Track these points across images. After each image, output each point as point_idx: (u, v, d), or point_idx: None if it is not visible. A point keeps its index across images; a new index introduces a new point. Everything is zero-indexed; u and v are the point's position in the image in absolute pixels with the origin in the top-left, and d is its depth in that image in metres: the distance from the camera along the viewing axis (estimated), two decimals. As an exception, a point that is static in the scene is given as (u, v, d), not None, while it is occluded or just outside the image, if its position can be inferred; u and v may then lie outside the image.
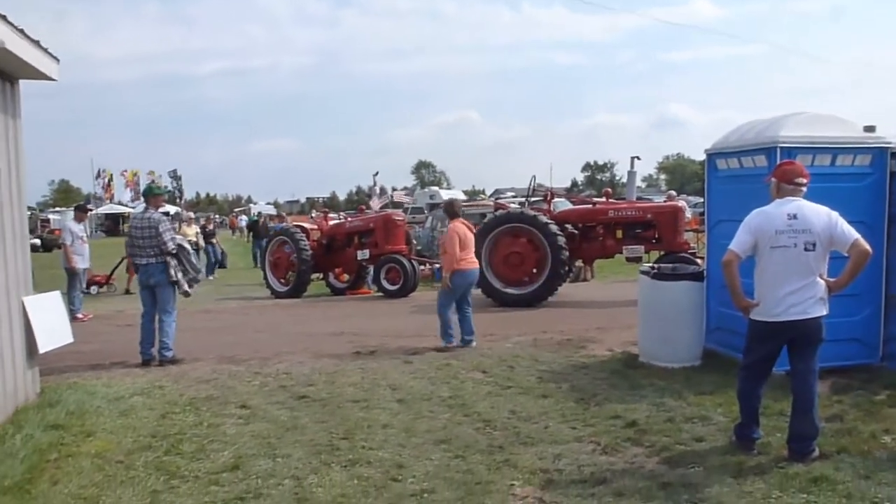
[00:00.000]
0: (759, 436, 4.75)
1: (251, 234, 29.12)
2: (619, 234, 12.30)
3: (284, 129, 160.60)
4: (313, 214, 21.76)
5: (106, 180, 57.92)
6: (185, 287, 7.99)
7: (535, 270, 11.72)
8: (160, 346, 7.72)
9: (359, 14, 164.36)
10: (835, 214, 4.50)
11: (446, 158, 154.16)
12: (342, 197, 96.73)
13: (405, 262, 13.84)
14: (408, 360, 7.68)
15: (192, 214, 25.13)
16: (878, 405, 5.61)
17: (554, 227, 11.67)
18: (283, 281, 14.86)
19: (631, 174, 14.72)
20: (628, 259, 12.35)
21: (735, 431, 4.84)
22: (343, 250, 15.07)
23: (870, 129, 6.52)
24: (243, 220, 46.99)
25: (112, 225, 51.51)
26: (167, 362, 7.64)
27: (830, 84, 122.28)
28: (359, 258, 14.58)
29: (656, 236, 12.19)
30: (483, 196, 42.30)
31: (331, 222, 16.77)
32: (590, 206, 13.46)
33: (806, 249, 4.43)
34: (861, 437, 4.90)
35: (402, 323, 10.40)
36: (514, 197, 38.88)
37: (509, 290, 11.72)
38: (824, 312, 4.52)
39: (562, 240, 11.58)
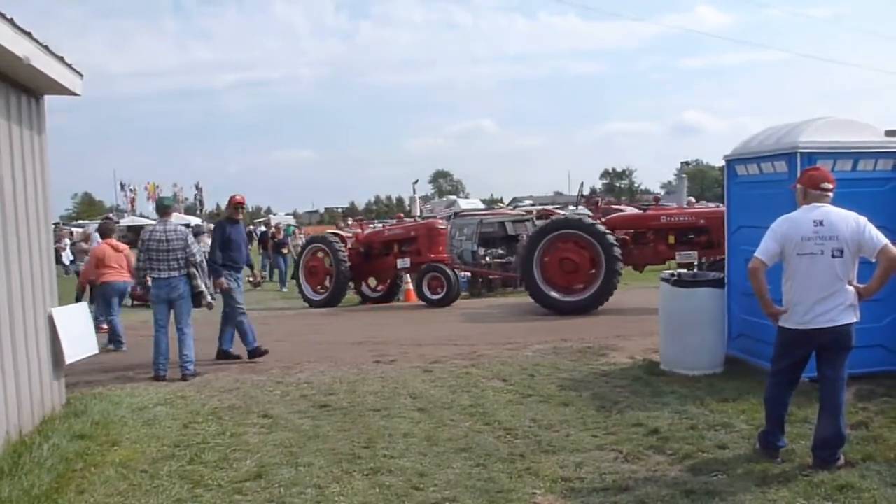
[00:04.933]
0: (783, 444, 4.71)
1: (261, 245, 28.16)
2: (672, 239, 12.18)
3: (303, 140, 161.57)
4: (349, 222, 21.57)
5: (132, 192, 58.75)
6: (210, 298, 8.08)
7: (588, 278, 11.61)
8: (183, 359, 7.70)
9: (375, 26, 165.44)
10: (863, 220, 4.45)
11: (464, 167, 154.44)
12: (361, 206, 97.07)
13: (448, 270, 13.67)
14: (428, 368, 7.69)
15: (211, 226, 25.37)
16: (905, 412, 5.54)
17: (610, 236, 11.54)
18: (319, 289, 14.75)
19: (680, 179, 14.63)
20: (680, 265, 12.15)
21: (759, 439, 4.79)
22: (381, 258, 14.91)
23: (891, 133, 6.46)
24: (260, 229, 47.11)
25: (135, 237, 51.93)
26: (190, 376, 7.66)
27: (849, 89, 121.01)
28: (399, 266, 14.45)
29: (709, 241, 11.90)
30: (501, 204, 42.22)
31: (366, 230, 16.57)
32: (641, 212, 13.35)
33: (833, 256, 4.39)
34: (887, 444, 4.84)
35: (423, 332, 10.41)
36: (532, 205, 38.86)
37: (561, 298, 11.61)
38: (854, 320, 4.48)
39: (617, 249, 11.44)
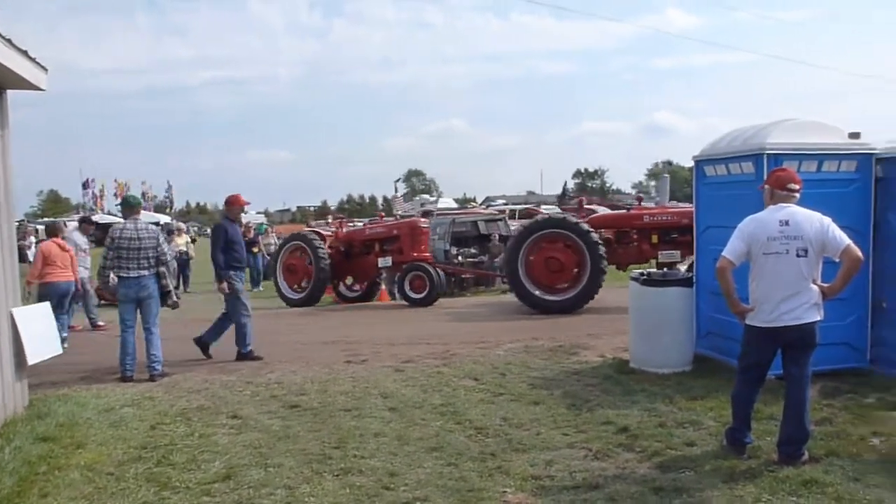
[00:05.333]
0: (750, 441, 4.78)
1: None
2: (655, 238, 12.28)
3: (276, 139, 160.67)
4: (329, 220, 21.31)
5: (97, 190, 57.61)
6: (176, 298, 7.97)
7: (573, 277, 11.66)
8: (151, 360, 7.58)
9: (349, 24, 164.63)
10: (827, 220, 4.53)
11: (437, 167, 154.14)
12: (333, 205, 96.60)
13: (431, 269, 13.60)
14: (400, 368, 7.68)
15: (182, 225, 25.06)
16: (866, 408, 5.66)
17: (595, 235, 11.61)
18: (296, 288, 14.58)
19: (663, 179, 14.73)
20: (661, 264, 12.25)
21: (726, 436, 4.86)
22: (361, 257, 14.79)
23: (855, 135, 6.58)
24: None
25: (102, 235, 50.98)
26: (158, 376, 7.55)
27: (815, 91, 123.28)
28: (380, 265, 14.35)
29: (692, 240, 12.01)
30: (474, 204, 42.34)
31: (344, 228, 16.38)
32: (624, 211, 13.48)
33: (798, 255, 4.46)
34: (850, 440, 4.95)
35: (395, 331, 10.39)
36: (504, 204, 39.00)
37: (547, 297, 11.63)
38: (818, 318, 4.56)
39: (602, 248, 11.52)
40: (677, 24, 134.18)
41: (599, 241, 11.55)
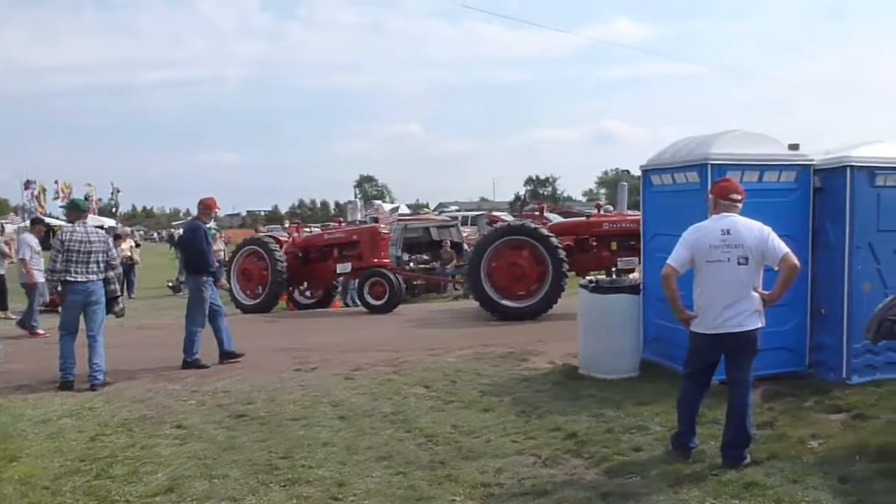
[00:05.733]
0: (695, 445, 4.88)
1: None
2: (614, 245, 12.44)
3: (226, 142, 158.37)
4: (286, 225, 20.89)
5: (36, 192, 55.71)
6: (122, 305, 7.78)
7: (535, 283, 11.69)
8: (92, 368, 7.33)
9: (303, 27, 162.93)
10: (767, 229, 4.66)
11: (389, 172, 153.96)
12: (284, 210, 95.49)
13: (391, 276, 13.47)
14: (350, 375, 7.60)
15: (127, 229, 24.46)
16: (806, 411, 5.82)
17: (555, 240, 11.69)
18: (251, 294, 14.26)
19: (622, 187, 14.94)
20: (620, 271, 12.42)
21: (672, 440, 4.95)
22: (319, 263, 14.59)
23: (794, 146, 6.80)
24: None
25: (45, 238, 49.44)
26: (99, 385, 7.29)
27: (759, 101, 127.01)
28: (339, 272, 14.17)
29: None
30: (427, 210, 42.36)
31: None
32: (583, 218, 13.60)
33: (739, 263, 4.58)
34: (790, 442, 5.08)
35: (347, 338, 10.30)
36: (457, 210, 39.13)
37: (509, 303, 11.62)
38: (760, 325, 4.68)
39: (563, 253, 11.60)
40: (627, 35, 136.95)
41: (560, 248, 11.66)
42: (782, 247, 4.58)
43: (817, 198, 6.75)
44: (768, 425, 5.49)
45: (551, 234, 11.84)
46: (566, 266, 11.65)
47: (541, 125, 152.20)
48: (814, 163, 6.77)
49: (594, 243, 12.63)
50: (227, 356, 8.49)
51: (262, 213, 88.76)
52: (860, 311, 6.46)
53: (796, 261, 4.57)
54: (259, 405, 6.52)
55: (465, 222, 24.10)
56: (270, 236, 15.51)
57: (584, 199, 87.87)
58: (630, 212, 14.31)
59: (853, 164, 6.46)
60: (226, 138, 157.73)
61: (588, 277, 9.05)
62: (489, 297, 11.63)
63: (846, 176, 6.45)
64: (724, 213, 4.71)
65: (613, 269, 12.33)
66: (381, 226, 15.30)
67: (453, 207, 46.73)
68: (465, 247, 17.81)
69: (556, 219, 16.23)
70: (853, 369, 6.52)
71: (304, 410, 6.32)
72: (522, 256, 11.70)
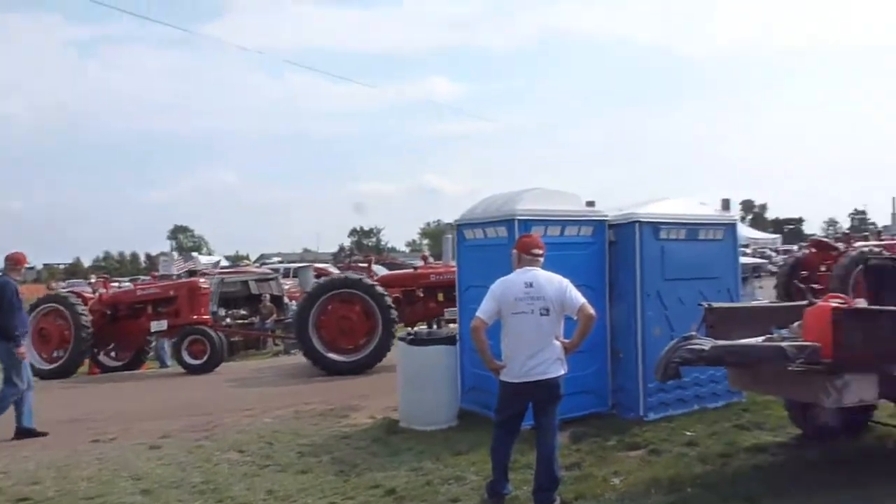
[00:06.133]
0: (508, 491, 5.03)
1: None
2: (441, 297, 12.51)
3: (22, 189, 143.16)
4: (92, 279, 19.00)
5: None
6: None
7: (365, 337, 11.45)
8: None
9: (103, 68, 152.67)
10: (566, 282, 4.99)
11: (205, 222, 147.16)
12: (87, 263, 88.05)
13: (212, 333, 12.63)
14: (155, 444, 7.04)
15: None
16: (609, 450, 6.21)
17: (382, 290, 11.57)
18: (49, 358, 12.74)
19: (446, 239, 15.18)
20: (448, 321, 12.43)
21: (487, 489, 5.06)
22: (130, 321, 13.40)
23: (590, 203, 7.41)
24: None
25: None
26: None
27: (561, 159, 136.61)
28: (153, 330, 13.10)
29: None
30: (248, 261, 40.88)
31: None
32: (411, 270, 13.66)
33: (541, 315, 4.84)
34: (595, 481, 5.39)
35: (153, 402, 9.57)
36: (280, 262, 38.16)
37: (337, 357, 11.28)
38: (563, 372, 4.95)
39: (391, 305, 11.47)
40: (441, 92, 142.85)
41: (387, 296, 11.63)
42: (579, 298, 4.91)
43: (612, 250, 7.34)
44: (576, 466, 5.77)
45: (380, 287, 11.86)
46: (395, 318, 11.66)
47: (363, 177, 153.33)
48: (608, 218, 7.38)
49: (422, 294, 12.78)
50: (24, 433, 7.61)
51: (62, 267, 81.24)
52: (652, 353, 6.98)
53: (592, 311, 4.92)
54: (47, 485, 5.86)
55: (286, 274, 23.52)
56: (73, 292, 14.19)
57: (407, 250, 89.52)
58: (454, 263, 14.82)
59: (641, 219, 7.14)
60: (20, 186, 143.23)
61: (408, 330, 9.17)
62: (317, 352, 11.35)
63: (635, 230, 7.11)
64: (528, 267, 4.99)
65: (442, 319, 12.73)
66: (201, 279, 14.54)
67: (275, 259, 45.54)
68: (287, 300, 17.36)
69: (381, 271, 16.36)
70: (649, 407, 7.09)
71: (100, 487, 5.75)
72: (351, 310, 11.58)
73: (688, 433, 6.55)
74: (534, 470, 5.04)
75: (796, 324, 5.11)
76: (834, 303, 5.09)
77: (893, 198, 51.90)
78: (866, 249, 14.63)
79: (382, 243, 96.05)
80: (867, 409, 5.91)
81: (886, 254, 12.93)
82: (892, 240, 23.45)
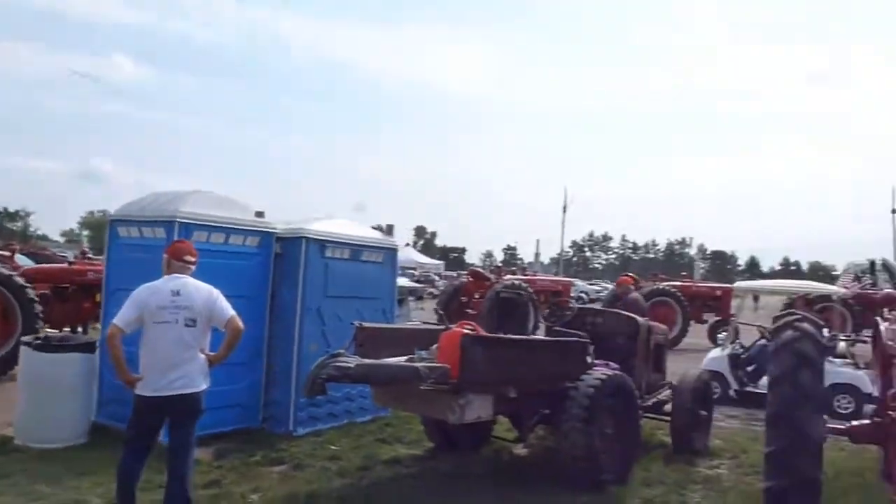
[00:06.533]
0: (133, 515, 4.64)
1: None
2: (99, 297, 10.73)
3: None
4: None
5: None
6: None
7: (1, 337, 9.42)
8: None
9: None
10: (216, 292, 4.80)
11: None
12: None
13: None
14: None
15: None
16: (252, 466, 6.12)
17: (31, 290, 9.65)
18: None
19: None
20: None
21: (110, 513, 4.63)
22: None
23: (260, 214, 7.30)
24: None
25: None
26: None
27: (238, 166, 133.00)
28: None
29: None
30: None
31: None
32: (65, 265, 11.99)
33: (187, 325, 4.60)
34: (233, 498, 5.28)
35: None
36: None
37: None
38: (205, 386, 4.73)
39: (38, 305, 9.63)
40: (124, 70, 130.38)
41: (30, 287, 9.85)
42: (229, 309, 4.77)
43: (277, 263, 7.32)
44: (216, 484, 5.58)
45: (22, 279, 9.98)
46: (40, 317, 9.85)
47: (16, 151, 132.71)
48: (276, 231, 7.35)
49: (76, 293, 11.27)
50: None
51: None
52: (307, 368, 7.02)
53: (241, 324, 4.79)
54: None
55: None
56: None
57: (62, 240, 79.53)
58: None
59: (308, 235, 7.24)
60: None
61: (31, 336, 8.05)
62: None
63: (302, 246, 7.18)
64: (177, 275, 4.73)
65: (97, 323, 11.35)
66: None
67: None
68: None
69: (28, 263, 14.22)
70: (299, 422, 7.17)
71: None
72: None
73: (332, 447, 6.76)
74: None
75: (434, 346, 5.57)
76: (465, 329, 5.67)
77: (538, 240, 60.51)
78: (509, 283, 16.71)
79: (31, 229, 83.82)
80: (489, 424, 6.68)
81: (523, 287, 14.95)
82: (535, 276, 27.40)
